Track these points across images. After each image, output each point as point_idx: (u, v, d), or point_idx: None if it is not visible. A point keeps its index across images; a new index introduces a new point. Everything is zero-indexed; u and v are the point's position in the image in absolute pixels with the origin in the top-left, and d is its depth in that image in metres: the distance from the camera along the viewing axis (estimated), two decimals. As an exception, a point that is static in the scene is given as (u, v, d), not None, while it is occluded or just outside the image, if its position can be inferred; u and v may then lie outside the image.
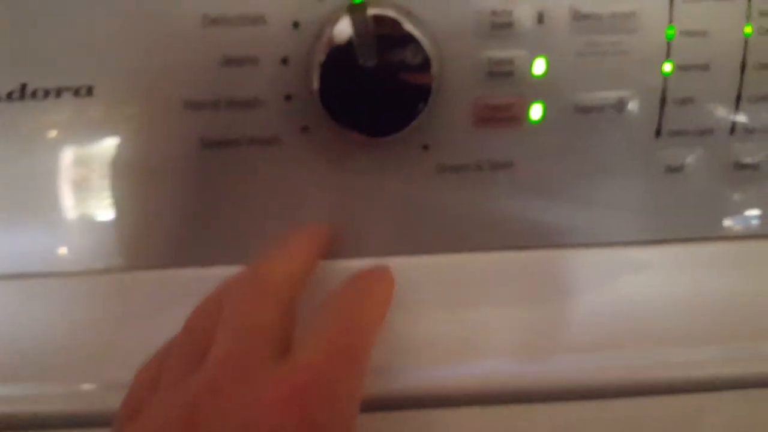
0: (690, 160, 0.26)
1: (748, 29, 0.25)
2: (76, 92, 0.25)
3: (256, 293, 0.22)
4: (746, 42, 0.25)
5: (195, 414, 0.19)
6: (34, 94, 0.25)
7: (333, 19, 0.24)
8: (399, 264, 0.27)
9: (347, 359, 0.21)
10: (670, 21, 0.25)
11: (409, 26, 0.23)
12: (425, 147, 0.26)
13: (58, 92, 0.25)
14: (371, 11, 0.23)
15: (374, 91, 0.24)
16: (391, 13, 0.23)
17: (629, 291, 0.27)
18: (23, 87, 0.25)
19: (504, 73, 0.25)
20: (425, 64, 0.23)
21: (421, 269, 0.28)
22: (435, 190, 0.27)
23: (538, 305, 0.27)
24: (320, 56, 0.24)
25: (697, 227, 0.28)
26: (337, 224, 0.27)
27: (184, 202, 0.27)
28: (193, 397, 0.19)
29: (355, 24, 0.23)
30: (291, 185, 0.27)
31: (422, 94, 0.24)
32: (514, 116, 0.26)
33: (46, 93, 0.25)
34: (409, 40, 0.23)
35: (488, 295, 0.27)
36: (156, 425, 0.19)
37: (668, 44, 0.25)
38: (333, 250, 0.27)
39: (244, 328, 0.21)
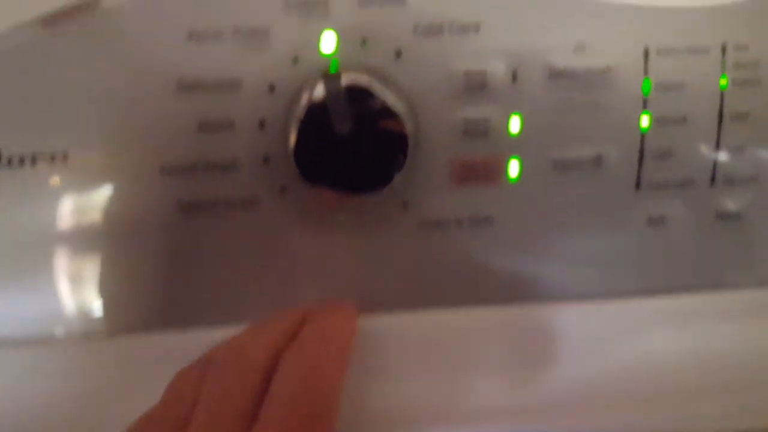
0: (671, 211, 0.26)
1: (723, 81, 0.25)
2: (52, 158, 0.25)
3: (237, 368, 0.22)
4: (722, 93, 0.25)
5: None
6: (9, 162, 0.25)
7: (308, 83, 0.24)
8: (380, 321, 0.27)
9: (310, 425, 0.20)
10: (646, 74, 0.25)
11: (382, 93, 0.23)
12: (405, 204, 0.26)
13: (34, 159, 0.25)
14: (344, 80, 0.23)
15: (350, 155, 0.24)
16: (364, 81, 0.23)
17: (614, 345, 0.27)
18: (-2, 154, 0.25)
19: (480, 131, 0.25)
20: (400, 130, 0.23)
21: (403, 326, 0.27)
22: (416, 246, 0.27)
23: (522, 363, 0.27)
24: (296, 120, 0.24)
25: (682, 278, 0.27)
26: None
27: (164, 265, 0.26)
28: None
29: (329, 93, 0.23)
30: (271, 245, 0.26)
31: (398, 159, 0.24)
32: (492, 173, 0.26)
33: (21, 160, 0.25)
34: (383, 107, 0.23)
35: (472, 352, 0.27)
36: None
37: (644, 98, 0.25)
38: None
39: (219, 404, 0.20)
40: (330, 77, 0.23)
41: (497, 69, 0.24)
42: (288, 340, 0.23)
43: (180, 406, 0.22)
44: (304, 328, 0.24)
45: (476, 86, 0.24)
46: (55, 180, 0.25)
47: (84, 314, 0.27)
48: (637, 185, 0.26)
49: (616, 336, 0.28)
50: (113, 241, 0.26)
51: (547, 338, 0.28)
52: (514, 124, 0.25)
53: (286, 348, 0.23)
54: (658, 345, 0.28)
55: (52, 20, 0.24)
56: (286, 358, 0.22)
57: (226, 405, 0.20)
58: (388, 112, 0.23)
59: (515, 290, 0.27)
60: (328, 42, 0.24)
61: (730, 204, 0.26)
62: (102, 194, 0.26)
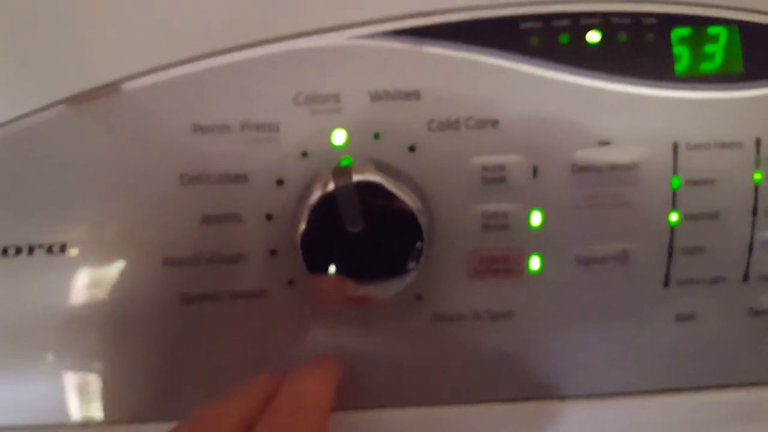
0: (701, 308, 0.25)
1: (757, 176, 0.24)
2: (49, 249, 0.24)
3: None
4: (756, 188, 0.24)
5: None
6: (5, 252, 0.24)
7: (318, 177, 0.23)
8: (393, 417, 0.25)
9: None
10: (675, 171, 0.23)
11: (395, 190, 0.22)
12: (419, 297, 0.25)
13: (30, 249, 0.24)
14: (356, 177, 0.22)
15: (361, 250, 0.23)
16: (375, 177, 0.22)
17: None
18: (-6, 244, 0.24)
19: (499, 225, 0.24)
20: (414, 228, 0.22)
21: (418, 422, 0.26)
22: (430, 340, 0.25)
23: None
24: (305, 214, 0.22)
25: (712, 376, 0.26)
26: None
27: (166, 356, 0.25)
28: None
29: (339, 190, 0.22)
30: (278, 338, 0.25)
31: (412, 256, 0.22)
32: (512, 268, 0.24)
33: (18, 250, 0.24)
34: (395, 203, 0.22)
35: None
36: None
37: (674, 194, 0.23)
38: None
39: None
40: (340, 172, 0.22)
41: (516, 164, 0.23)
42: (261, 407, 0.22)
43: None
44: (279, 392, 0.22)
45: (495, 180, 0.23)
46: (52, 270, 0.24)
47: (82, 402, 0.26)
48: (666, 282, 0.24)
49: (642, 434, 0.26)
50: (112, 331, 0.25)
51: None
52: (535, 219, 0.24)
53: (257, 418, 0.21)
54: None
55: (51, 110, 0.23)
56: (260, 428, 0.21)
57: None
58: (401, 207, 0.22)
59: (534, 387, 0.26)
60: (339, 136, 0.23)
61: (764, 300, 0.25)
62: (101, 285, 0.25)
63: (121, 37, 0.23)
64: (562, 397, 0.26)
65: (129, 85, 0.23)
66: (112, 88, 0.23)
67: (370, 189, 0.22)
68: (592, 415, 0.26)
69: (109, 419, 0.26)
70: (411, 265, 0.23)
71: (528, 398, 0.26)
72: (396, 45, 0.22)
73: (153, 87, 0.23)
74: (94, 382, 0.26)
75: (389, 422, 0.25)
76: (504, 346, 0.26)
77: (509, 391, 0.26)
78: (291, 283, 0.25)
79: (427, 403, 0.26)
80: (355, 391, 0.26)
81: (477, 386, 0.26)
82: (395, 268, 0.23)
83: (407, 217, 0.22)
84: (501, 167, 0.23)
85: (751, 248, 0.24)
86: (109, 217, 0.24)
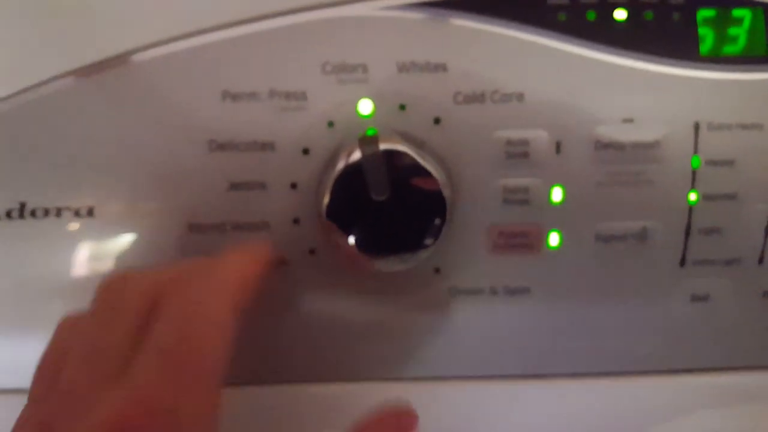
0: (716, 288, 0.25)
1: (777, 158, 0.24)
2: (77, 212, 0.25)
3: (112, 307, 0.20)
4: (775, 170, 0.24)
5: None
6: (33, 213, 0.25)
7: (344, 147, 0.23)
8: (407, 388, 0.26)
9: (183, 377, 0.18)
10: (695, 151, 0.24)
11: (420, 160, 0.22)
12: (437, 270, 0.25)
13: (58, 212, 0.25)
14: (383, 146, 0.22)
15: (385, 219, 0.23)
16: (402, 147, 0.22)
17: (651, 424, 0.26)
18: (23, 206, 0.25)
19: (519, 200, 0.24)
20: (438, 199, 0.22)
21: (432, 395, 0.26)
22: (447, 313, 0.26)
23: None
24: (331, 183, 0.23)
25: (725, 356, 0.26)
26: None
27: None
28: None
29: (366, 158, 0.22)
30: (298, 307, 0.26)
31: (430, 232, 0.23)
32: (531, 243, 0.25)
33: (46, 212, 0.25)
34: (421, 174, 0.22)
35: (504, 425, 0.26)
36: None
37: (693, 174, 0.24)
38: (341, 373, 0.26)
39: (90, 349, 0.19)
40: (367, 140, 0.22)
41: (540, 139, 0.23)
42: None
43: (59, 353, 0.20)
44: (195, 264, 0.21)
45: (518, 155, 0.23)
46: (79, 233, 0.25)
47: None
48: (682, 261, 0.25)
49: (653, 414, 0.26)
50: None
51: (579, 414, 0.26)
52: (556, 195, 0.24)
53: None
54: (698, 425, 0.26)
55: (85, 72, 0.24)
56: (167, 294, 0.19)
57: (98, 350, 0.19)
58: (427, 177, 0.22)
59: (548, 364, 0.26)
60: (366, 107, 0.23)
61: (779, 283, 0.25)
62: (127, 249, 0.25)
63: (155, 6, 0.23)
64: (575, 375, 0.26)
65: (157, 52, 0.23)
66: (140, 55, 0.24)
67: (396, 158, 0.22)
68: (605, 392, 0.26)
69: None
70: (428, 240, 0.23)
71: (540, 375, 0.26)
72: (425, 17, 0.23)
73: (184, 54, 0.23)
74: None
75: (403, 393, 0.25)
76: (519, 321, 0.26)
77: (522, 366, 0.26)
78: (312, 252, 0.25)
79: (441, 376, 0.26)
80: (369, 362, 0.26)
81: (491, 361, 0.26)
82: (413, 243, 0.23)
83: (431, 187, 0.22)
84: (524, 142, 0.23)
85: (767, 231, 0.24)
86: (136, 182, 0.24)
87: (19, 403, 0.25)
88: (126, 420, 0.17)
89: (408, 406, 0.22)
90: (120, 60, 0.24)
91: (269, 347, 0.26)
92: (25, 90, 0.24)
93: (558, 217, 0.24)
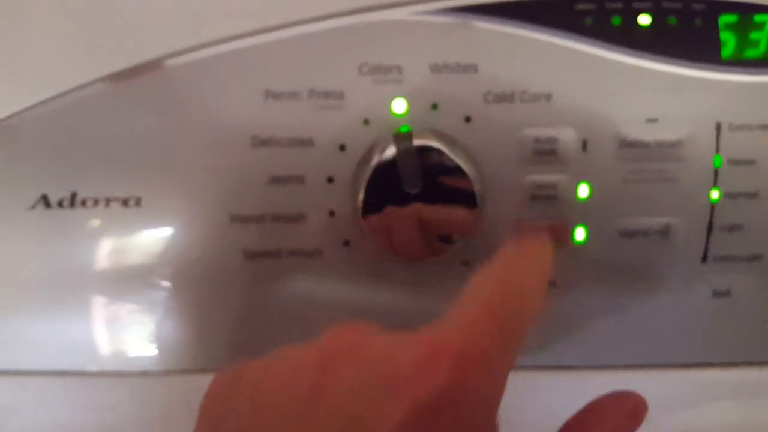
0: (738, 285, 0.26)
1: (798, 158, 0.25)
2: (125, 202, 0.26)
3: None
4: (796, 170, 0.25)
5: (329, 362, 0.17)
6: (83, 203, 0.26)
7: (379, 143, 0.24)
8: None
9: (504, 326, 0.17)
10: (717, 150, 0.24)
11: (453, 156, 0.23)
12: (465, 263, 0.26)
13: (107, 201, 0.26)
14: (416, 142, 0.23)
15: (418, 214, 0.24)
16: (435, 143, 0.23)
17: (672, 418, 0.26)
18: (73, 195, 0.26)
19: (547, 196, 0.25)
20: (469, 193, 0.24)
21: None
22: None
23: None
24: (366, 177, 0.24)
25: (746, 352, 0.27)
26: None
27: (226, 310, 0.27)
28: (328, 348, 0.18)
29: (400, 153, 0.23)
30: (331, 297, 0.27)
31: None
32: (557, 238, 0.25)
33: (96, 202, 0.26)
34: (453, 166, 0.23)
35: (526, 415, 0.27)
36: (285, 364, 0.18)
37: (715, 172, 0.25)
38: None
39: None
40: (401, 136, 0.24)
41: (567, 136, 0.24)
42: None
43: None
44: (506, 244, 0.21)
45: (545, 152, 0.24)
46: (127, 223, 0.26)
47: (144, 351, 0.27)
48: (704, 258, 0.26)
49: (675, 408, 0.27)
50: (179, 284, 0.27)
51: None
52: (583, 191, 0.25)
53: None
54: (717, 418, 0.27)
55: (120, 78, 0.25)
56: (488, 262, 0.20)
57: None
58: (458, 172, 0.24)
59: (571, 356, 0.27)
60: (400, 105, 0.24)
61: (800, 280, 0.26)
62: (172, 238, 0.26)
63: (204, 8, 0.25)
64: (598, 367, 0.27)
65: (205, 53, 0.25)
66: (183, 57, 0.25)
67: (428, 153, 0.23)
68: (627, 385, 0.27)
69: (169, 369, 0.27)
70: (456, 235, 0.24)
71: (564, 367, 0.27)
72: (457, 21, 0.24)
73: (228, 56, 0.25)
74: (157, 332, 0.27)
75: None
76: (544, 315, 0.27)
77: (545, 359, 0.27)
78: (346, 244, 0.26)
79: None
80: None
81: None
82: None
83: (462, 182, 0.24)
84: (552, 139, 0.24)
85: (788, 228, 0.25)
86: (182, 175, 0.26)
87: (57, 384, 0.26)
88: (455, 346, 0.16)
89: (635, 392, 0.22)
90: (163, 63, 0.25)
91: (302, 337, 0.27)
92: (75, 89, 0.25)
93: (584, 212, 0.25)
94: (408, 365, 0.16)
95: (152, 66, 0.25)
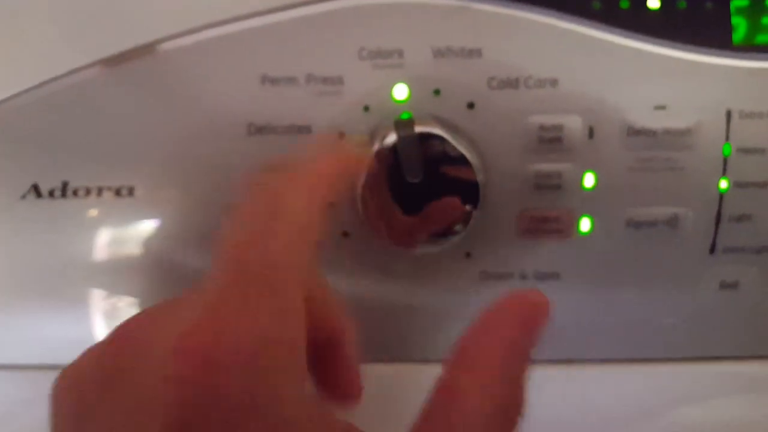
0: (746, 277, 0.25)
1: (809, 147, 0.24)
2: (118, 192, 0.25)
3: None
4: (807, 159, 0.24)
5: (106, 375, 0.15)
6: (75, 192, 0.25)
7: (379, 131, 0.23)
8: (437, 371, 0.26)
9: (270, 293, 0.14)
10: (727, 138, 0.24)
11: (455, 143, 0.23)
12: (468, 254, 0.26)
13: (100, 191, 0.25)
14: (417, 129, 0.22)
15: (419, 204, 0.23)
16: (437, 130, 0.23)
17: (678, 411, 0.26)
18: (65, 185, 0.25)
19: (552, 185, 0.24)
20: (472, 182, 0.23)
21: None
22: (476, 297, 0.26)
23: (585, 425, 0.26)
24: (365, 167, 0.23)
25: (753, 344, 0.26)
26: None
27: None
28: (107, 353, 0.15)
29: (401, 141, 0.22)
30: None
31: (461, 219, 0.23)
32: (562, 228, 0.25)
33: (88, 191, 0.25)
34: (455, 154, 0.23)
35: (532, 409, 0.26)
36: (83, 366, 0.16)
37: (725, 161, 0.24)
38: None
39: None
40: (402, 123, 0.23)
41: (573, 124, 0.24)
42: None
43: None
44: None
45: (551, 140, 0.24)
46: (119, 212, 0.25)
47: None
48: (712, 249, 0.25)
49: (681, 401, 0.27)
50: (173, 276, 0.26)
51: (607, 400, 0.27)
52: (588, 180, 0.24)
53: None
54: (725, 413, 0.27)
55: (112, 62, 0.24)
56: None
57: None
58: (461, 160, 0.23)
59: (576, 349, 0.26)
60: (401, 91, 0.24)
61: (809, 272, 0.25)
62: (165, 228, 0.26)
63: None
64: (603, 360, 0.27)
65: (200, 37, 0.24)
66: (174, 42, 0.24)
67: (430, 141, 0.23)
68: (633, 378, 0.27)
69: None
70: (458, 227, 0.23)
71: (569, 360, 0.27)
72: (460, 3, 0.23)
73: (223, 40, 0.24)
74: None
75: (432, 376, 0.26)
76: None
77: (551, 352, 0.27)
78: (345, 235, 0.25)
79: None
80: (400, 344, 0.27)
81: (520, 345, 0.27)
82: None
83: (464, 171, 0.23)
84: (558, 127, 0.23)
85: (798, 219, 0.25)
86: (177, 163, 0.25)
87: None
88: (204, 350, 0.13)
89: (538, 293, 0.18)
90: (152, 48, 0.24)
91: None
92: (66, 75, 0.25)
93: (590, 202, 0.24)
94: (152, 388, 0.14)
95: (145, 50, 0.24)
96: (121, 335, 0.16)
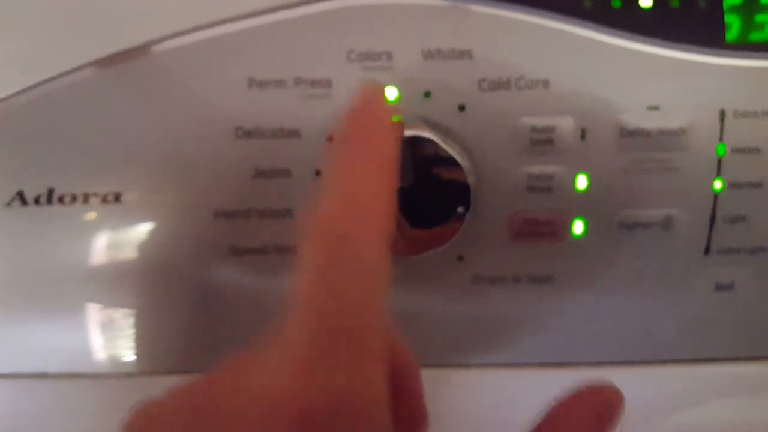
0: (741, 278, 0.25)
1: (804, 146, 0.24)
2: (104, 198, 0.25)
3: None
4: (802, 159, 0.24)
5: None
6: (61, 199, 0.25)
7: (368, 134, 0.23)
8: (431, 377, 0.26)
9: (354, 343, 0.15)
10: (721, 138, 0.23)
11: (446, 146, 0.22)
12: (460, 258, 0.25)
13: (86, 197, 0.25)
14: (408, 132, 0.22)
15: (409, 208, 0.23)
16: (427, 133, 0.22)
17: (674, 415, 0.26)
18: (50, 192, 0.25)
19: (544, 188, 0.24)
20: (463, 185, 0.23)
21: (454, 382, 0.26)
22: (470, 301, 0.26)
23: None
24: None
25: (749, 346, 0.26)
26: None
27: (212, 308, 0.26)
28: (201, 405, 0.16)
29: (392, 145, 0.22)
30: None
31: (458, 215, 0.23)
32: (554, 231, 0.25)
33: (74, 198, 0.25)
34: (446, 161, 0.22)
35: (526, 413, 0.26)
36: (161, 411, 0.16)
37: (719, 161, 0.24)
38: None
39: None
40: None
41: (565, 126, 0.23)
42: None
43: None
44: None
45: (543, 142, 0.23)
46: (106, 219, 0.25)
47: (126, 352, 0.26)
48: (707, 250, 0.25)
49: (676, 403, 0.26)
50: (161, 282, 0.26)
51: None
52: (581, 182, 0.24)
53: None
54: (720, 415, 0.26)
55: (106, 63, 0.24)
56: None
57: None
58: (452, 163, 0.23)
59: (571, 352, 0.26)
60: (390, 94, 0.23)
61: (805, 272, 0.25)
62: (153, 234, 0.25)
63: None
64: (598, 363, 0.26)
65: (179, 42, 0.24)
66: (163, 44, 0.24)
67: (420, 145, 0.22)
68: (628, 381, 0.26)
69: (151, 371, 0.26)
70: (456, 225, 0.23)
71: (563, 363, 0.26)
72: (449, 4, 0.23)
73: (210, 43, 0.24)
74: (140, 332, 0.26)
75: (424, 380, 0.26)
76: (543, 310, 0.26)
77: (545, 355, 0.26)
78: (336, 239, 0.25)
79: (463, 364, 0.26)
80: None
81: (513, 349, 0.26)
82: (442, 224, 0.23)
83: (456, 175, 0.23)
84: (550, 129, 0.23)
85: (793, 219, 0.24)
86: (162, 169, 0.24)
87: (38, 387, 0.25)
88: (301, 411, 0.14)
89: (609, 386, 0.19)
90: (142, 50, 0.24)
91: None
92: (52, 79, 0.24)
93: (582, 204, 0.24)
94: (256, 428, 0.14)
95: (132, 53, 0.24)
96: (212, 381, 0.16)
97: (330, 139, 0.23)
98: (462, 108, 0.23)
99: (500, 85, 0.23)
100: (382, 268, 0.16)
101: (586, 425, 0.18)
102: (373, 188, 0.16)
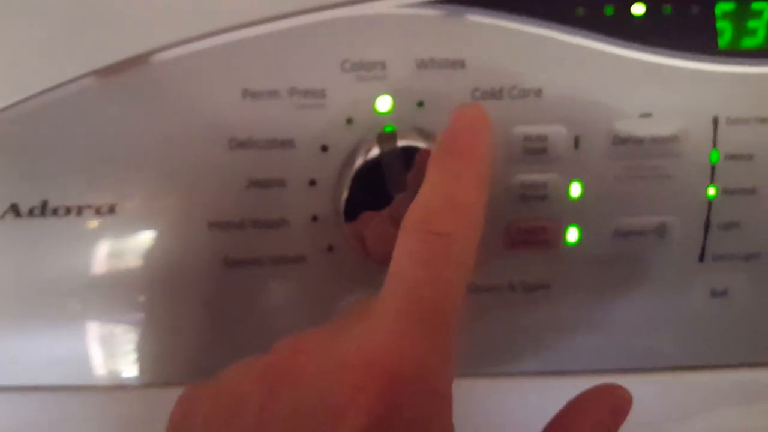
0: (736, 284, 0.25)
1: (797, 152, 0.24)
2: (98, 210, 0.25)
3: None
4: (795, 165, 0.24)
5: (269, 393, 0.17)
6: (55, 211, 0.25)
7: (363, 144, 0.23)
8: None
9: (433, 318, 0.17)
10: (714, 145, 0.23)
11: (440, 155, 0.22)
12: (455, 267, 0.25)
13: (80, 210, 0.25)
14: (401, 142, 0.22)
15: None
16: (420, 143, 0.22)
17: (670, 422, 0.26)
18: (44, 204, 0.25)
19: (538, 196, 0.24)
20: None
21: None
22: (465, 310, 0.26)
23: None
24: (349, 179, 0.23)
25: (744, 353, 0.26)
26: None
27: (207, 319, 0.26)
28: (270, 372, 0.17)
29: (385, 154, 0.22)
30: (315, 303, 0.26)
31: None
32: (549, 239, 0.25)
33: (68, 210, 0.25)
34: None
35: (522, 421, 0.26)
36: (230, 391, 0.18)
37: (712, 168, 0.24)
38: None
39: None
40: (385, 137, 0.23)
41: (559, 134, 0.23)
42: None
43: None
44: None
45: (536, 151, 0.23)
46: (100, 231, 0.25)
47: (121, 364, 0.26)
48: (701, 257, 0.25)
49: (672, 411, 0.26)
50: (156, 294, 0.26)
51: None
52: (575, 190, 0.24)
53: None
54: (716, 423, 0.26)
55: (105, 73, 0.24)
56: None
57: None
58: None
59: (566, 360, 0.26)
60: (384, 104, 0.23)
61: (799, 278, 0.25)
62: (148, 246, 0.25)
63: (175, 7, 0.24)
64: (594, 371, 0.26)
65: (176, 52, 0.24)
66: (160, 55, 0.24)
67: (414, 153, 0.22)
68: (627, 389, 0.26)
69: (146, 383, 0.26)
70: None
71: (559, 371, 0.26)
72: (442, 14, 0.23)
73: (204, 53, 0.24)
74: (136, 344, 0.26)
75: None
76: (538, 318, 0.26)
77: (541, 364, 0.26)
78: (330, 249, 0.25)
79: (459, 373, 0.26)
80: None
81: (510, 358, 0.26)
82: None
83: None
84: (543, 137, 0.23)
85: (787, 225, 0.24)
86: (157, 180, 0.24)
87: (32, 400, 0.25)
88: (392, 366, 0.16)
89: (618, 386, 0.21)
90: (139, 60, 0.24)
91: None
92: (47, 91, 0.24)
93: (576, 212, 0.24)
94: (340, 394, 0.16)
95: (126, 65, 0.24)
96: (286, 350, 0.18)
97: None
98: (455, 117, 0.23)
99: (493, 94, 0.23)
100: (471, 266, 0.18)
101: (601, 418, 0.20)
102: (473, 197, 0.19)
